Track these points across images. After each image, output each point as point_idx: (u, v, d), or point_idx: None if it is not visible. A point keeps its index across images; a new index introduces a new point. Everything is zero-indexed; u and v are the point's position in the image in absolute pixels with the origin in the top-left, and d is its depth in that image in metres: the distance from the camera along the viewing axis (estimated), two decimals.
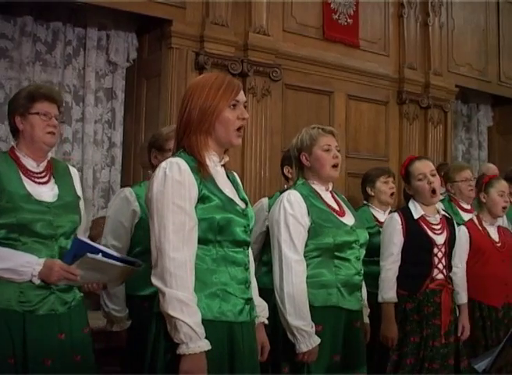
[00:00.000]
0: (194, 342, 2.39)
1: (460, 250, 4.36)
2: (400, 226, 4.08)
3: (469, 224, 4.61)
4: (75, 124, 5.60)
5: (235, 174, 2.87)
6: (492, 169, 6.44)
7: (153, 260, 2.48)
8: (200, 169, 2.55)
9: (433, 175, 4.12)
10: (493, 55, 8.30)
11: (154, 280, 2.46)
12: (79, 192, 3.24)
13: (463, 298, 4.30)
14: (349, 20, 6.69)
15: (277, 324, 3.36)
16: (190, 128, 2.60)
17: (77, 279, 2.90)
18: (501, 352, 2.73)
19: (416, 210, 4.12)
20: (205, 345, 2.41)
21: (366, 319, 3.74)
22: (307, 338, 3.22)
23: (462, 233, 4.43)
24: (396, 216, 4.13)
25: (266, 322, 2.93)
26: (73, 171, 3.28)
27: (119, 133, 5.82)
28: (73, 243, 2.94)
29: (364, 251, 3.53)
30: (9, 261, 2.85)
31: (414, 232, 4.06)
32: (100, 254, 2.82)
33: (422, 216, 4.11)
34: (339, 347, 3.36)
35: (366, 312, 3.74)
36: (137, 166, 5.81)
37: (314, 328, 3.25)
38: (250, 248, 2.76)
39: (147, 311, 3.52)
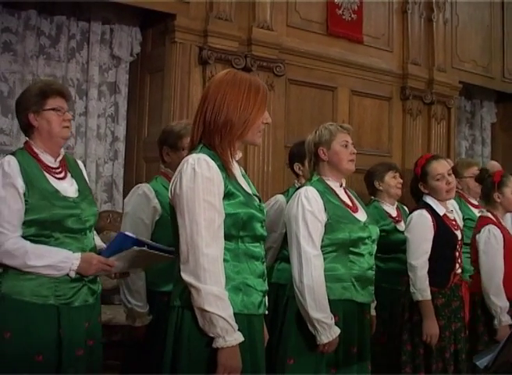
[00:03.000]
0: (231, 335, 2.45)
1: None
2: (431, 223, 4.08)
3: (494, 223, 4.53)
4: (78, 118, 5.60)
5: (241, 169, 2.89)
6: (496, 167, 6.41)
7: (183, 256, 2.51)
8: (225, 167, 2.59)
9: (450, 174, 4.16)
10: (497, 52, 8.29)
11: (186, 276, 2.49)
12: (89, 184, 3.32)
13: None
14: (353, 16, 6.68)
15: (285, 317, 3.48)
16: (224, 131, 2.60)
17: (113, 270, 3.04)
18: (503, 349, 2.73)
19: (438, 207, 4.13)
20: (240, 337, 2.49)
21: (373, 312, 3.81)
22: (328, 330, 3.31)
23: (496, 234, 4.39)
24: (426, 213, 4.11)
25: (266, 312, 2.96)
26: (81, 165, 3.34)
27: (122, 127, 5.82)
28: (118, 237, 3.06)
29: (375, 247, 3.60)
30: (48, 258, 2.92)
31: (442, 228, 4.08)
32: (146, 246, 2.93)
33: (444, 212, 4.14)
34: (355, 338, 3.46)
35: (373, 304, 3.80)
36: (140, 161, 5.82)
37: (333, 320, 3.34)
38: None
39: (167, 306, 3.59)
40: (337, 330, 3.33)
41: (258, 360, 2.65)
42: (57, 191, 3.01)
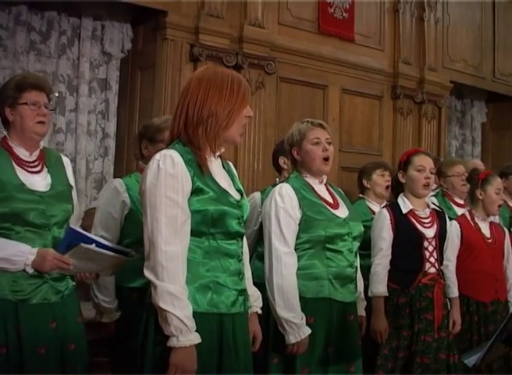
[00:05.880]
0: (184, 335, 2.41)
1: (451, 244, 4.39)
2: (389, 222, 4.12)
3: (460, 219, 4.63)
4: (68, 114, 5.58)
5: (230, 164, 2.87)
6: (478, 165, 6.41)
7: (146, 253, 2.49)
8: (197, 162, 2.56)
9: (431, 173, 4.17)
10: (488, 52, 8.31)
11: (147, 273, 2.47)
12: (71, 181, 3.25)
13: (454, 291, 4.32)
14: (344, 14, 6.68)
15: (269, 316, 3.39)
16: (210, 123, 2.59)
17: (70, 268, 2.91)
18: (491, 347, 2.73)
19: (404, 205, 4.16)
20: (195, 338, 2.43)
21: (362, 312, 3.78)
22: (296, 330, 3.24)
23: (453, 228, 4.46)
24: (385, 212, 4.17)
25: (259, 312, 2.95)
26: (66, 161, 3.28)
27: (112, 123, 5.80)
28: (67, 232, 2.95)
29: (358, 244, 3.54)
30: (2, 250, 2.86)
31: (403, 226, 4.10)
32: (93, 244, 2.84)
33: (411, 210, 4.14)
34: (332, 338, 3.39)
35: (363, 304, 3.80)
36: (130, 157, 5.79)
37: (304, 320, 3.28)
38: (244, 239, 2.77)
39: (136, 302, 3.55)
40: (307, 331, 3.26)
41: (238, 360, 2.59)
42: (22, 184, 2.95)
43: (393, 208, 4.18)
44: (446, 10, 7.76)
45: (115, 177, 5.66)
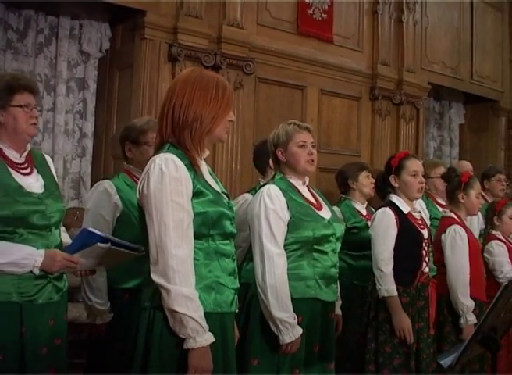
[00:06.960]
0: (201, 336, 2.46)
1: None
2: (394, 220, 4.11)
3: (458, 223, 4.58)
4: (46, 114, 5.55)
5: (208, 167, 2.89)
6: (465, 165, 6.46)
7: (152, 257, 2.51)
8: (193, 166, 2.59)
9: (423, 176, 4.20)
10: (466, 54, 8.39)
11: (156, 278, 2.49)
12: (56, 180, 3.25)
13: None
14: (323, 15, 6.69)
15: (249, 317, 3.44)
16: (194, 127, 2.62)
17: (77, 267, 2.97)
18: (466, 348, 2.75)
19: (403, 205, 4.16)
20: (211, 338, 2.49)
21: (338, 311, 3.81)
22: (291, 329, 3.28)
23: (462, 233, 4.44)
24: (389, 211, 4.14)
25: (236, 310, 2.96)
26: (49, 160, 3.27)
27: (90, 123, 5.78)
28: (82, 233, 2.99)
29: (339, 245, 3.59)
30: (10, 254, 2.85)
31: (406, 226, 4.11)
32: (109, 243, 2.88)
33: (409, 211, 4.16)
34: (318, 337, 3.45)
35: (339, 303, 3.82)
36: (108, 157, 5.79)
37: (296, 319, 3.31)
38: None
39: (129, 303, 3.56)
40: (299, 330, 3.31)
41: (229, 359, 2.65)
42: (21, 187, 2.94)
43: (394, 207, 4.18)
44: (424, 12, 7.81)
45: (92, 177, 5.66)
